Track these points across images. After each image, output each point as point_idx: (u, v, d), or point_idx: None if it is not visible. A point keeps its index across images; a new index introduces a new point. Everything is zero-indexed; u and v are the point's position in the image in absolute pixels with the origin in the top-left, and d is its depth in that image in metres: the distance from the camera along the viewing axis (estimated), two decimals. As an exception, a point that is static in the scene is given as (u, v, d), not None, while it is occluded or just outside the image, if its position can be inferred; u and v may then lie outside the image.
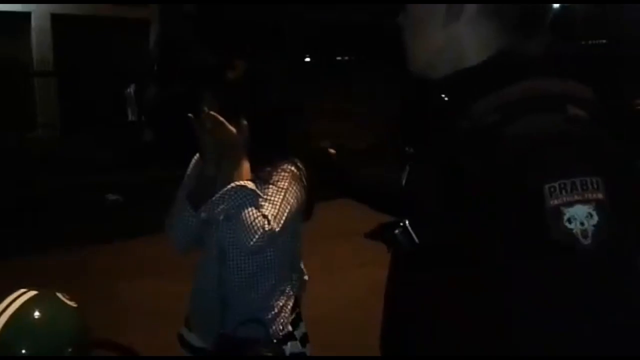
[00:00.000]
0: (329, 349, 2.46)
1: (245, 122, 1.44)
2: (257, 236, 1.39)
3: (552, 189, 0.67)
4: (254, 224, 1.40)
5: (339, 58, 9.47)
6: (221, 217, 1.45)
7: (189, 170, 1.64)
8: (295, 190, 1.50)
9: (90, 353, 1.30)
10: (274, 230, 1.42)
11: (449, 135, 0.82)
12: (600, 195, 0.67)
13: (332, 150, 1.52)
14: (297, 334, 1.59)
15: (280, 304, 1.56)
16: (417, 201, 0.89)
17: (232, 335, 1.51)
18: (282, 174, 1.51)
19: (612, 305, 0.68)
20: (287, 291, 1.58)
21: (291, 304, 1.59)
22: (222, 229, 1.50)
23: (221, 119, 1.41)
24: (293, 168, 1.52)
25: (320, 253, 3.69)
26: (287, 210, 1.46)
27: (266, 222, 1.41)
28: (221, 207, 1.43)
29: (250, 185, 1.43)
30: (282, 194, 1.47)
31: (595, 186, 0.67)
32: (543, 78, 0.78)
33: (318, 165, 1.52)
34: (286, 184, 1.49)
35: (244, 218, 1.40)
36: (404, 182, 0.99)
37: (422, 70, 0.92)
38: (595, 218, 0.67)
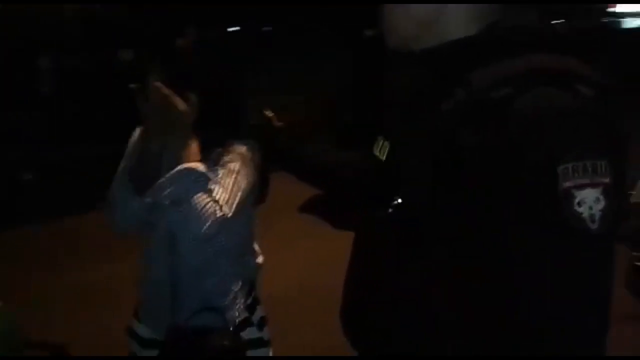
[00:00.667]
0: (287, 331, 2.40)
1: (194, 97, 1.32)
2: (208, 223, 1.30)
3: (566, 171, 0.66)
4: (204, 209, 1.30)
5: (267, 28, 9.21)
6: (167, 202, 1.34)
7: (129, 146, 1.51)
8: (247, 173, 1.41)
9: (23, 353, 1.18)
10: (226, 216, 1.33)
11: (442, 106, 0.78)
12: (607, 180, 0.68)
13: (279, 124, 1.44)
14: (254, 318, 1.52)
15: (236, 289, 1.48)
16: (405, 178, 0.84)
17: (185, 325, 1.42)
18: (233, 155, 1.42)
19: (609, 288, 0.70)
20: (242, 275, 1.50)
21: (247, 288, 1.51)
22: (171, 213, 1.38)
23: (169, 91, 1.29)
24: (245, 149, 1.43)
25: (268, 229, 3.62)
26: (239, 194, 1.38)
27: (218, 208, 1.31)
28: (168, 190, 1.31)
29: (200, 167, 1.33)
30: (234, 176, 1.38)
31: (603, 170, 0.67)
32: (543, 54, 0.76)
33: (264, 141, 1.44)
34: (238, 165, 1.40)
35: (195, 204, 1.30)
36: (383, 158, 0.93)
37: (404, 43, 0.87)
38: (602, 202, 0.67)
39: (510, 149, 0.69)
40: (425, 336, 0.82)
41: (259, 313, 1.54)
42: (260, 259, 1.59)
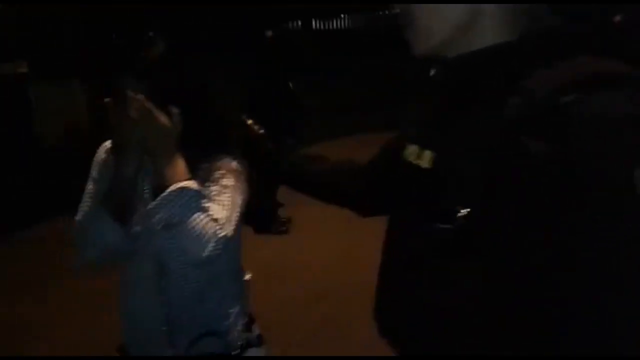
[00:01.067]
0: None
1: (176, 110, 1.22)
2: (211, 245, 1.19)
3: None
4: (205, 231, 1.19)
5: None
6: (159, 227, 1.22)
7: (94, 167, 1.36)
8: (241, 189, 1.33)
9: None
10: (228, 235, 1.23)
11: (499, 113, 0.76)
12: None
13: (260, 131, 1.37)
14: (253, 337, 1.44)
15: (234, 310, 1.40)
16: (455, 186, 0.81)
17: (186, 356, 1.31)
18: (223, 170, 1.32)
19: None
20: (238, 295, 1.42)
21: (243, 307, 1.43)
22: (161, 239, 1.26)
23: (151, 105, 1.17)
24: (234, 164, 1.34)
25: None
26: (236, 211, 1.29)
27: (218, 227, 1.21)
28: (159, 215, 1.19)
29: (194, 185, 1.21)
30: (229, 193, 1.29)
31: None
32: (589, 57, 0.75)
33: (254, 152, 1.36)
34: (231, 181, 1.31)
35: (193, 225, 1.19)
36: (427, 165, 0.90)
37: (436, 50, 0.84)
38: None
39: (581, 154, 0.68)
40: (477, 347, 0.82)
41: (256, 331, 1.46)
42: (248, 276, 1.51)
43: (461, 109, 0.85)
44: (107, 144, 1.36)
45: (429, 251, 0.85)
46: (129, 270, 1.36)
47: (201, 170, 1.31)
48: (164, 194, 1.19)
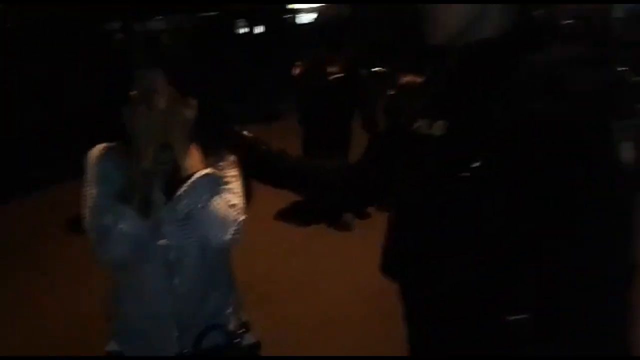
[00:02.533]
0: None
1: (195, 102, 1.24)
2: (234, 228, 1.25)
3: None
4: (227, 214, 1.24)
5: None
6: (182, 215, 1.23)
7: (91, 173, 1.27)
8: (241, 181, 1.36)
9: None
10: (244, 220, 1.28)
11: (501, 84, 0.94)
12: None
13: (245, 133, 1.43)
14: (245, 323, 1.46)
15: (232, 300, 1.41)
16: (468, 146, 0.96)
17: (195, 352, 1.30)
18: (226, 162, 1.34)
19: None
20: (232, 284, 1.43)
21: (237, 296, 1.44)
22: (175, 231, 1.26)
23: (178, 96, 1.21)
24: (232, 157, 1.36)
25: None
26: (243, 200, 1.32)
27: (238, 212, 1.27)
28: (185, 201, 1.21)
29: (215, 172, 1.26)
30: (237, 182, 1.33)
31: None
32: (572, 41, 0.97)
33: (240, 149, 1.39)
34: (235, 172, 1.34)
35: (217, 209, 1.24)
36: (439, 133, 1.02)
37: (449, 40, 0.99)
38: None
39: (577, 115, 0.86)
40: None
41: (244, 316, 1.47)
42: None
43: (470, 85, 1.01)
44: (101, 145, 1.31)
45: (449, 198, 0.99)
46: (137, 270, 1.29)
47: (208, 161, 1.31)
48: (192, 179, 1.21)
